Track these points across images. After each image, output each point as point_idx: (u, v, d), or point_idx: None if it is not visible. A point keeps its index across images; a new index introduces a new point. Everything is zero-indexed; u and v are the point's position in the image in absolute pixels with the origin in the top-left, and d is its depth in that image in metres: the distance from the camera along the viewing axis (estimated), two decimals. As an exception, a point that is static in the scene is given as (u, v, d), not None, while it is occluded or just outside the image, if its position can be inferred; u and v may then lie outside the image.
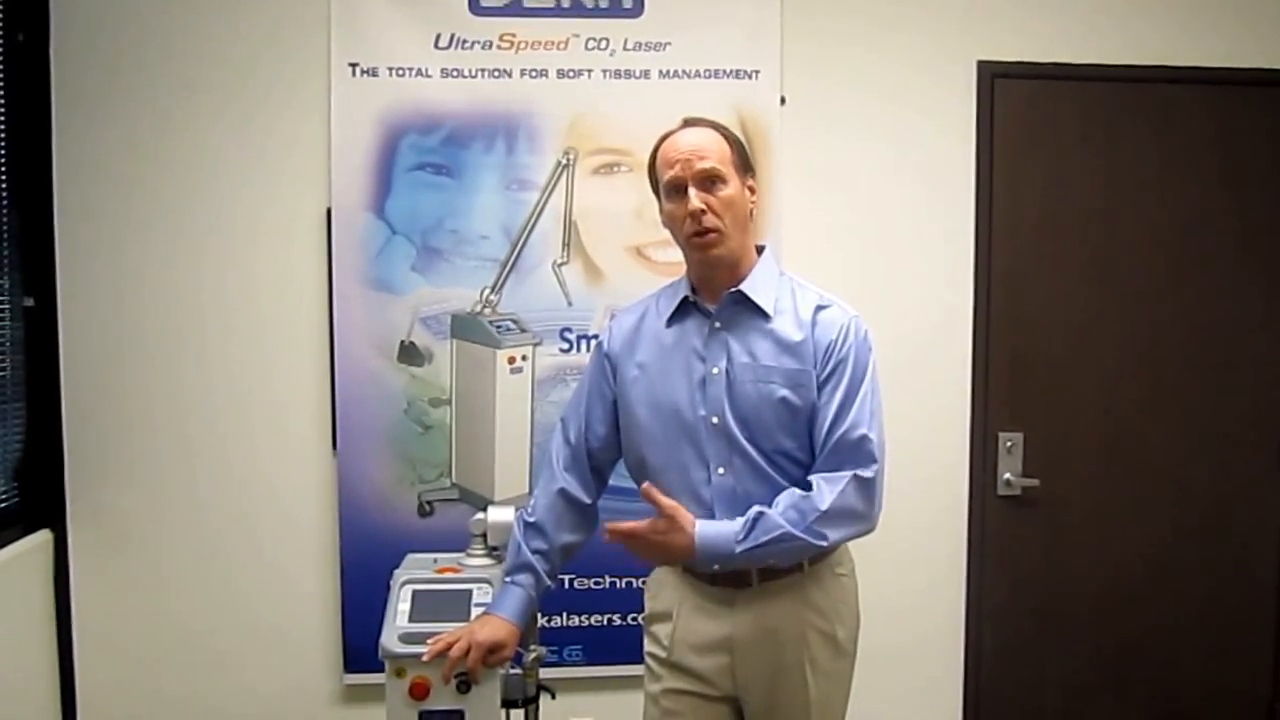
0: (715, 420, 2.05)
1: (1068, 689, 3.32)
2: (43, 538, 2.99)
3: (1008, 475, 3.23)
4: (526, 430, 3.06)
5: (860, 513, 1.99)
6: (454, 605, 2.21)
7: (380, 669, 2.94)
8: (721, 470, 2.05)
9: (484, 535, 2.38)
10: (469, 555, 2.39)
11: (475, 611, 2.20)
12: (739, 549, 1.95)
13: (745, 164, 2.10)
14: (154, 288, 3.02)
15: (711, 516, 2.05)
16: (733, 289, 2.08)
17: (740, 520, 1.97)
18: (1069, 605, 3.30)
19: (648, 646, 2.22)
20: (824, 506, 1.95)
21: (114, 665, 3.08)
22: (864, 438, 1.99)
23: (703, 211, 2.01)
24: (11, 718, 2.82)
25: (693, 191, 2.02)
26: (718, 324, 2.08)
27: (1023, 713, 3.30)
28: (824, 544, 1.97)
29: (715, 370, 2.05)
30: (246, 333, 3.04)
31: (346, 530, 3.04)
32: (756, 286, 2.08)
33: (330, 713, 3.15)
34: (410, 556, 2.43)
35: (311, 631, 3.12)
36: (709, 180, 2.03)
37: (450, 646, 2.07)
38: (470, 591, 2.25)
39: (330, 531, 3.07)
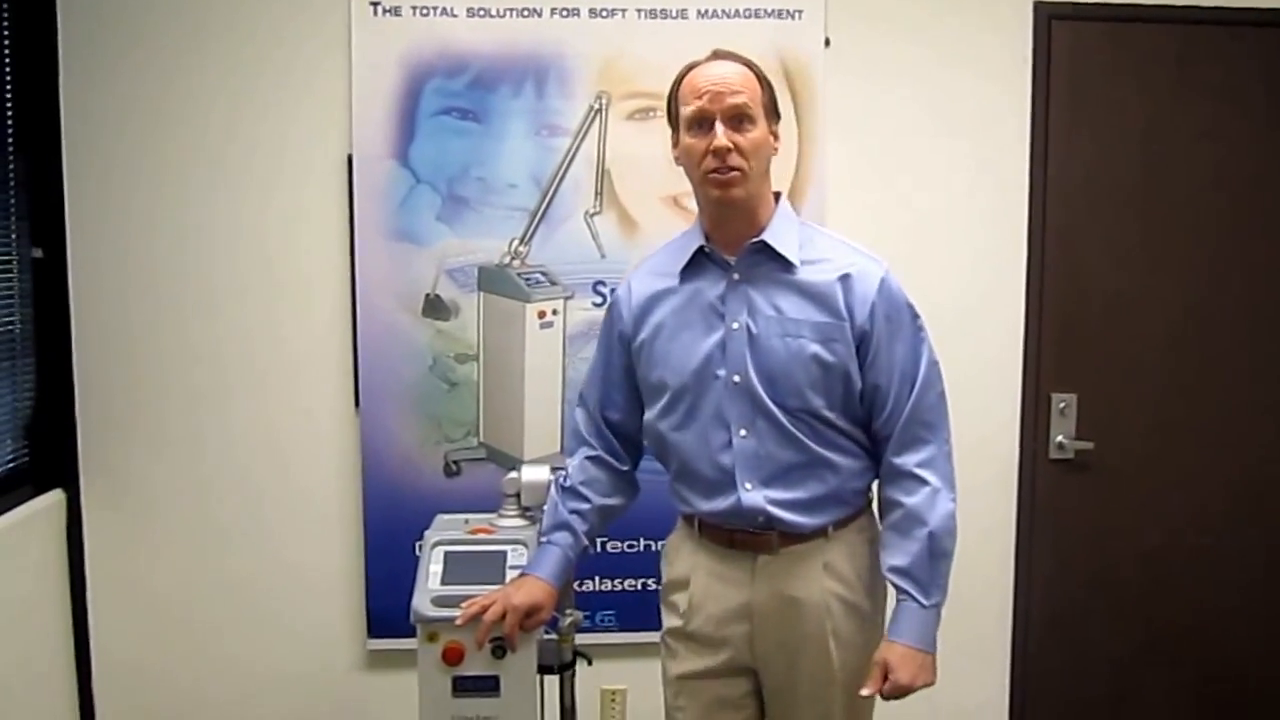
0: (737, 379, 1.99)
1: (1116, 661, 3.29)
2: (55, 498, 2.99)
3: (1060, 438, 3.19)
4: (557, 387, 3.04)
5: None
6: (488, 567, 2.19)
7: (405, 634, 2.95)
8: (744, 432, 2.00)
9: (517, 495, 2.36)
10: (501, 516, 2.37)
11: (510, 574, 2.19)
12: (937, 601, 1.97)
13: (774, 108, 2.02)
14: (167, 238, 2.99)
15: (732, 482, 2.02)
16: (754, 239, 2.00)
17: (909, 589, 1.95)
18: (1120, 574, 3.26)
19: (665, 621, 2.20)
20: (954, 497, 1.99)
21: (129, 628, 3.09)
22: (942, 395, 2.01)
23: (729, 150, 1.93)
24: (26, 680, 2.83)
25: (720, 127, 1.93)
26: (737, 276, 2.01)
27: (1070, 684, 3.28)
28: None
29: (736, 326, 2.00)
30: (264, 286, 3.02)
31: (370, 491, 3.03)
32: (779, 235, 2.00)
33: (353, 679, 3.15)
34: (440, 517, 2.41)
35: (334, 595, 3.12)
36: (738, 118, 1.95)
37: (485, 610, 2.05)
38: (504, 553, 2.23)
39: (353, 492, 3.06)
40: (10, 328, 2.90)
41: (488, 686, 2.12)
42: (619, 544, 3.09)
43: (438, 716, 2.13)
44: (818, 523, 2.01)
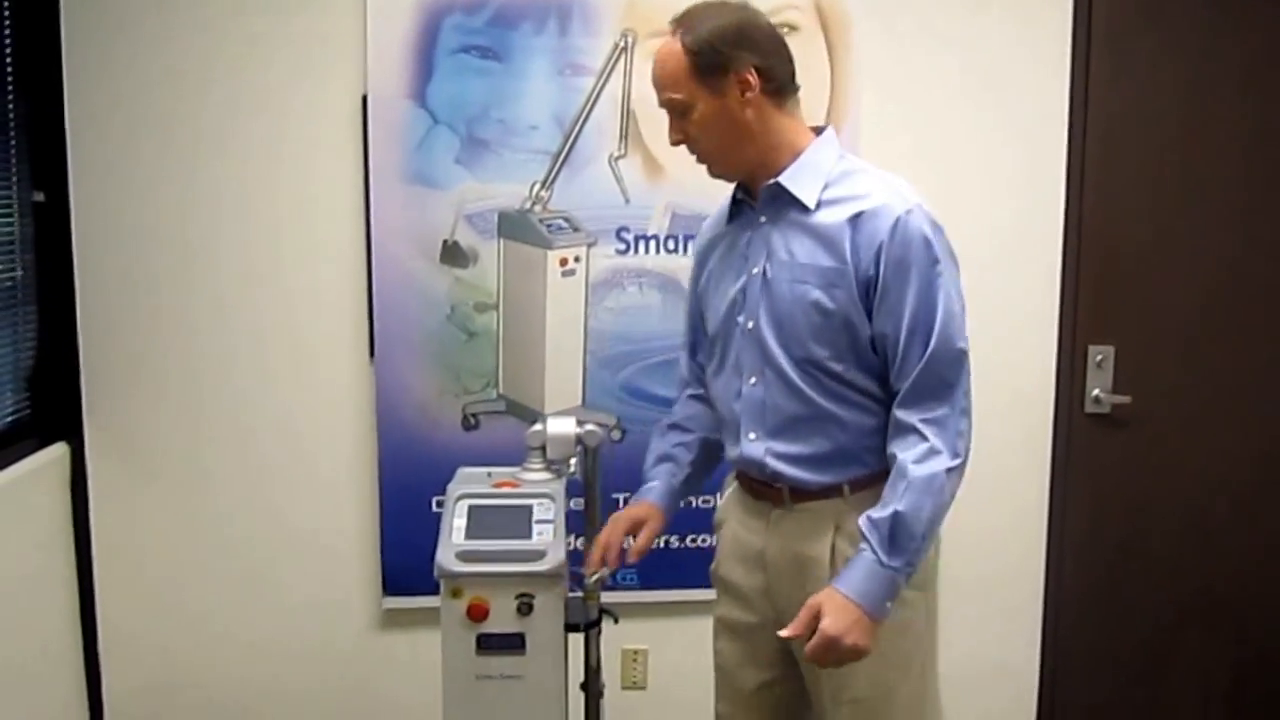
0: (750, 325, 1.96)
1: (1151, 622, 3.25)
2: (59, 451, 2.93)
3: (1097, 391, 3.12)
4: (580, 338, 2.96)
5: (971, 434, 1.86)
6: (514, 522, 2.13)
7: (421, 592, 2.99)
8: (753, 380, 1.97)
9: (542, 448, 2.29)
10: (525, 470, 2.30)
11: (536, 528, 2.12)
12: (899, 565, 1.79)
13: (714, 65, 1.87)
14: (174, 182, 2.91)
15: (737, 432, 2.00)
16: (771, 181, 1.94)
17: (871, 539, 1.79)
18: (1156, 532, 3.21)
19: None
20: (952, 460, 1.81)
21: (136, 586, 3.04)
22: (961, 353, 1.84)
23: (681, 142, 1.96)
24: (29, 638, 2.79)
25: (669, 122, 1.96)
26: (763, 219, 1.97)
27: (1102, 645, 3.24)
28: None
29: (755, 271, 1.96)
30: (275, 232, 2.94)
31: (385, 445, 2.97)
32: (798, 176, 1.92)
33: (367, 638, 3.11)
34: (462, 470, 2.34)
35: (347, 552, 3.06)
36: (675, 111, 1.93)
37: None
38: (530, 507, 2.16)
39: (367, 446, 3.00)
40: (11, 275, 2.83)
41: (513, 644, 2.06)
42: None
43: (461, 675, 2.08)
44: (827, 480, 1.93)
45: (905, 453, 1.80)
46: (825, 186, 1.91)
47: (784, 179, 1.92)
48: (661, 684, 3.18)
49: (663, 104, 1.94)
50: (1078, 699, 3.24)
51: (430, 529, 2.88)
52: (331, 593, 3.08)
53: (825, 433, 1.92)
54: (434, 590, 2.91)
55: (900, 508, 1.77)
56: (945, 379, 1.82)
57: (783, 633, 1.83)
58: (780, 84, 1.92)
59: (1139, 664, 3.26)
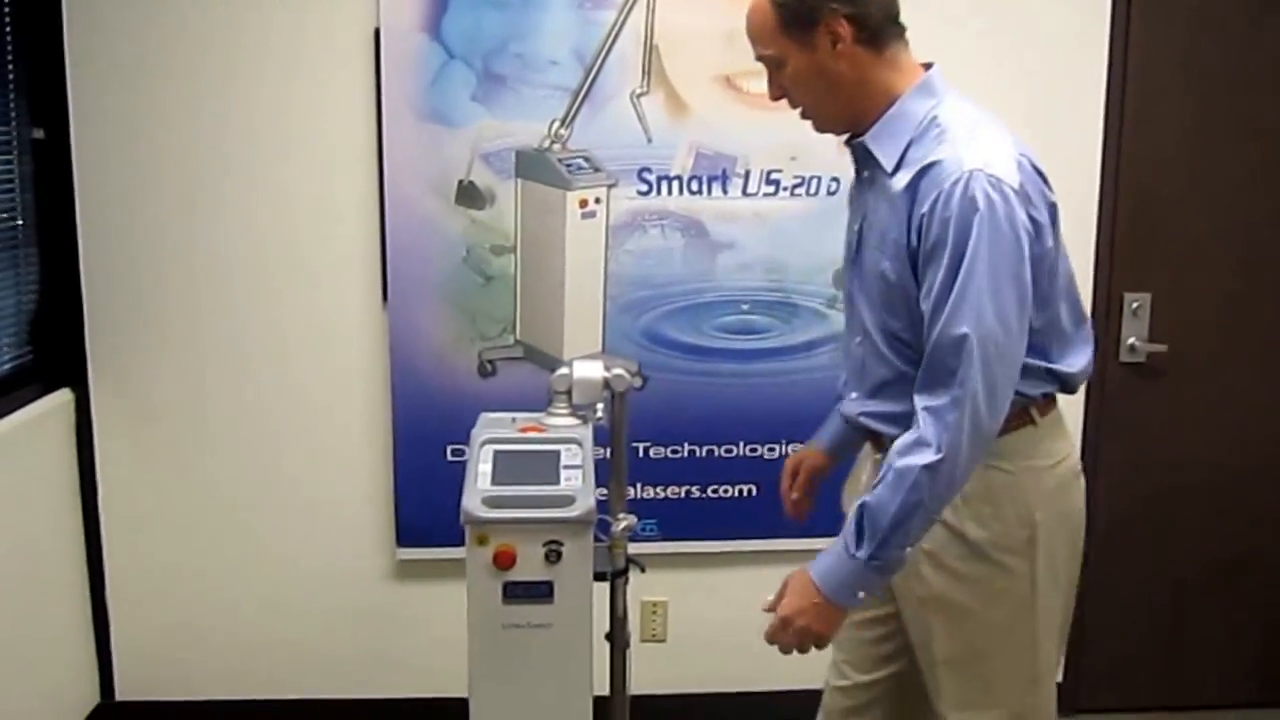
0: (852, 286, 1.93)
1: (1180, 577, 3.22)
2: (63, 398, 2.89)
3: (1132, 340, 3.07)
4: (599, 282, 2.90)
5: (983, 431, 1.67)
6: (541, 467, 2.07)
7: (436, 543, 2.97)
8: (858, 339, 1.92)
9: (568, 393, 2.22)
10: (550, 415, 2.23)
11: (564, 474, 2.06)
12: (864, 556, 1.70)
13: (801, 18, 1.76)
14: (179, 118, 2.83)
15: (845, 386, 1.99)
16: (858, 140, 1.84)
17: (847, 525, 1.73)
18: (1188, 483, 3.17)
19: None
20: (935, 455, 1.64)
21: (144, 535, 3.00)
22: (961, 339, 1.63)
23: (780, 98, 1.86)
24: (37, 588, 2.76)
25: (767, 79, 1.86)
26: (865, 173, 1.88)
27: (1132, 599, 3.20)
28: (963, 481, 1.69)
29: (855, 229, 1.90)
30: (284, 171, 2.86)
31: (399, 392, 2.91)
32: (882, 134, 1.80)
33: (381, 590, 3.07)
34: (485, 415, 2.28)
35: (360, 503, 3.01)
36: (769, 66, 1.84)
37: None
38: (558, 453, 2.10)
39: (381, 394, 2.94)
40: (11, 216, 2.76)
41: (540, 593, 2.00)
42: (661, 449, 2.98)
43: (487, 623, 2.02)
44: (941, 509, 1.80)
45: (901, 438, 1.70)
46: (909, 144, 1.76)
47: (869, 138, 1.81)
48: (681, 636, 3.14)
49: (757, 59, 1.85)
50: (1104, 654, 3.21)
51: (446, 479, 2.88)
52: (344, 543, 3.03)
53: (908, 391, 1.78)
54: (449, 541, 2.88)
55: (869, 499, 1.69)
56: (946, 365, 1.66)
57: (763, 606, 1.82)
58: (875, 29, 1.77)
59: (1166, 619, 3.23)
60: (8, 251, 2.76)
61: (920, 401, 1.68)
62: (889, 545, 1.68)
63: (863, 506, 1.69)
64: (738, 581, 3.11)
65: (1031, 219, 1.68)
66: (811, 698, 3.14)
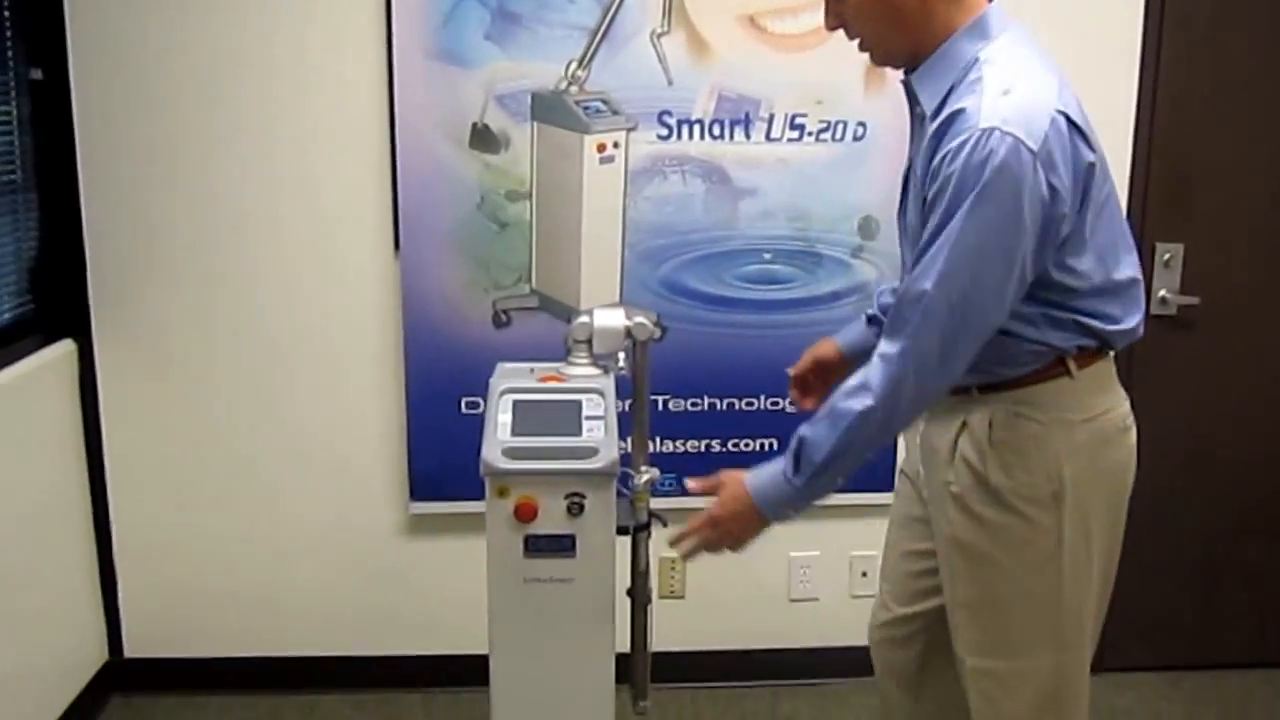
0: (899, 229, 1.88)
1: (1212, 530, 3.16)
2: (65, 348, 2.84)
3: (1164, 292, 3.00)
4: (618, 230, 2.82)
5: (927, 388, 1.68)
6: (563, 417, 2.02)
7: (450, 497, 2.92)
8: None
9: (588, 341, 2.16)
10: (570, 364, 2.18)
11: (587, 425, 2.01)
12: (798, 484, 1.75)
13: None
14: (183, 59, 2.75)
15: None
16: (905, 78, 1.78)
17: (789, 451, 1.77)
18: (1221, 437, 3.11)
19: None
20: (872, 401, 1.66)
21: (151, 488, 2.95)
22: (921, 294, 1.61)
23: (835, 27, 1.79)
24: (42, 541, 2.72)
25: (824, 8, 1.79)
26: (917, 110, 1.78)
27: (1164, 552, 3.15)
28: (901, 429, 1.77)
29: (904, 172, 1.84)
30: (291, 114, 2.78)
31: (411, 343, 2.85)
32: (927, 75, 1.73)
33: (393, 545, 3.02)
34: (503, 365, 2.23)
35: (371, 455, 2.96)
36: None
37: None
38: (579, 403, 2.05)
39: (392, 344, 2.88)
40: (9, 160, 2.69)
41: (563, 546, 1.98)
42: (680, 402, 2.92)
43: (507, 578, 1.99)
44: (959, 383, 1.78)
45: (851, 378, 1.71)
46: (951, 88, 1.68)
47: (915, 77, 1.75)
48: (699, 593, 3.10)
49: None
50: (1134, 612, 3.14)
51: (459, 431, 2.86)
52: (356, 497, 2.99)
53: None
54: (464, 495, 2.87)
55: (806, 433, 1.73)
56: (904, 315, 1.65)
57: (690, 485, 1.90)
58: None
59: (1198, 572, 3.19)
60: (6, 197, 2.69)
61: (879, 345, 1.69)
62: (820, 478, 1.74)
63: (800, 440, 1.74)
64: (769, 537, 3.04)
65: (1050, 184, 1.59)
66: (830, 655, 3.13)
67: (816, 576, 3.13)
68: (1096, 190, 1.67)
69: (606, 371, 2.16)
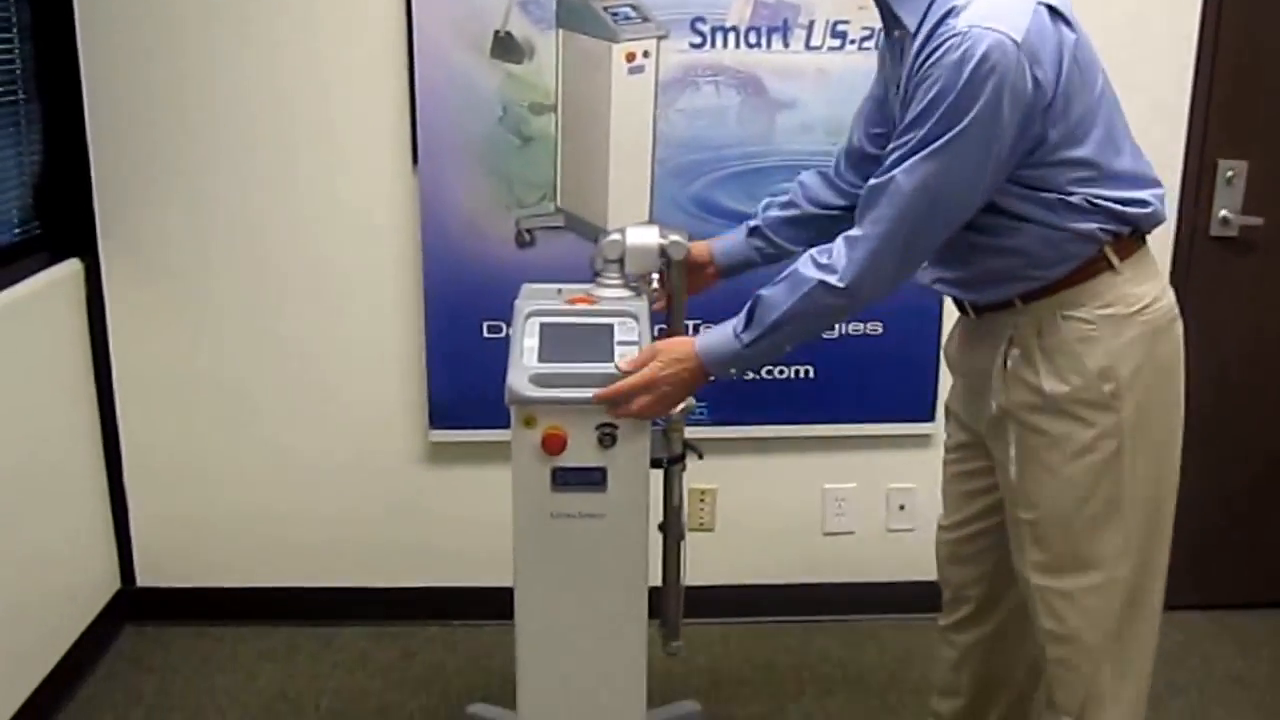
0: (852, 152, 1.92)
1: (1262, 461, 3.06)
2: (71, 268, 2.74)
3: (1224, 212, 2.86)
4: (647, 144, 2.69)
5: (885, 277, 1.70)
6: (593, 342, 1.90)
7: (470, 425, 2.83)
8: None
9: (620, 261, 2.03)
10: (599, 285, 2.06)
11: (619, 350, 1.89)
12: (746, 340, 1.79)
13: None
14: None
15: None
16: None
17: (743, 311, 1.80)
18: (1275, 367, 2.99)
19: None
20: (834, 277, 1.68)
21: (162, 413, 2.87)
22: (892, 182, 1.62)
23: None
24: (52, 465, 2.65)
25: None
26: (895, 33, 1.76)
27: (1212, 482, 3.01)
28: (856, 310, 1.77)
29: (894, 95, 1.77)
30: (302, 18, 2.65)
31: (430, 264, 2.74)
32: None
33: (412, 474, 2.94)
34: (528, 286, 2.10)
35: (389, 381, 2.87)
36: None
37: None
38: (611, 326, 1.93)
39: (411, 264, 2.77)
40: (10, 71, 2.56)
41: (593, 480, 1.86)
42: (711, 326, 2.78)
43: (534, 513, 1.88)
44: (997, 298, 1.79)
45: (817, 249, 1.74)
46: (930, 4, 1.64)
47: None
48: (730, 525, 3.01)
49: None
50: (1179, 548, 3.01)
51: (480, 355, 2.76)
52: (373, 423, 2.90)
53: (976, 258, 1.77)
54: (485, 423, 2.78)
55: (764, 292, 1.76)
56: (873, 202, 1.67)
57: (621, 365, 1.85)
58: None
59: (1250, 506, 3.08)
60: (7, 110, 2.57)
61: (847, 231, 1.71)
62: (767, 339, 1.77)
63: (758, 298, 1.76)
64: (790, 468, 2.98)
65: (1033, 76, 1.57)
66: (865, 591, 3.05)
67: (852, 510, 3.03)
68: (1085, 75, 1.65)
69: (638, 294, 2.04)
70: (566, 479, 1.85)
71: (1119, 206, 1.68)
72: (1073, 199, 1.66)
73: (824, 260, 1.69)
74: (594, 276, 2.08)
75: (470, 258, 2.73)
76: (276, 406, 2.88)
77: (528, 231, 2.73)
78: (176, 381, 2.84)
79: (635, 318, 1.94)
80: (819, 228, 2.01)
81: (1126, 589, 1.78)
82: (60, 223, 2.73)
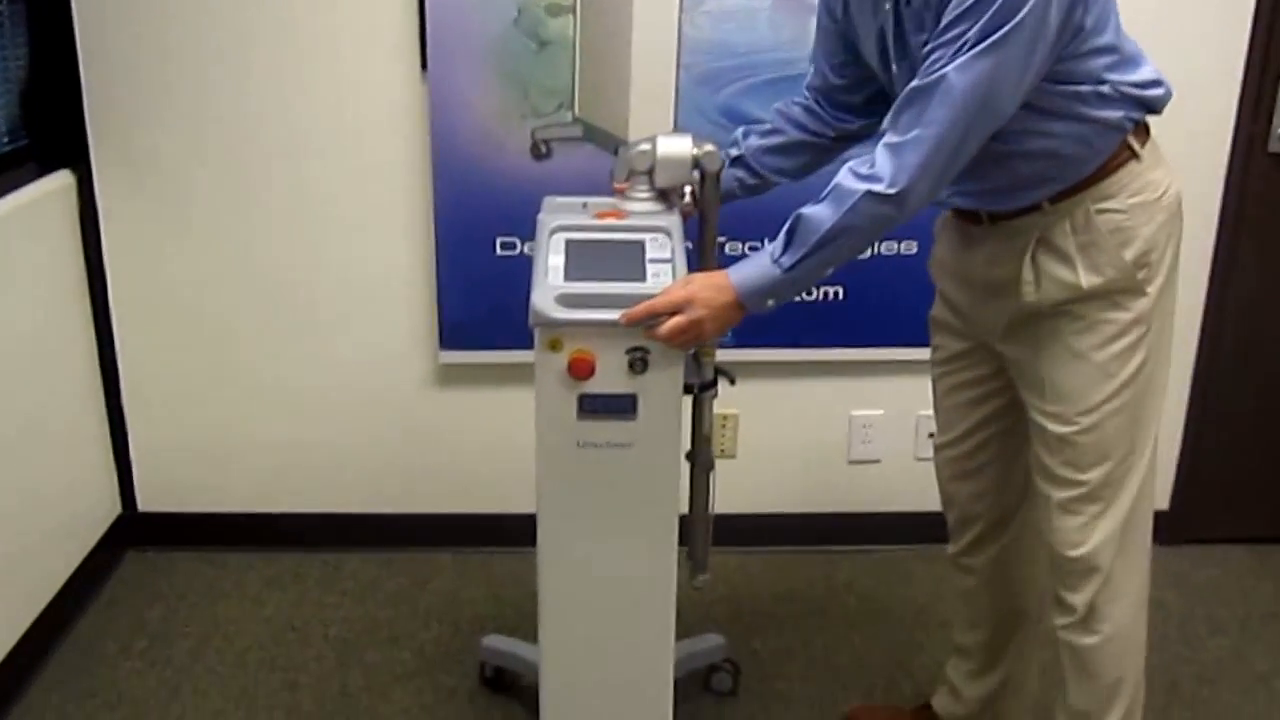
0: (896, 71, 1.74)
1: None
2: (63, 180, 2.61)
3: (1282, 129, 2.73)
4: (672, 49, 2.49)
5: (936, 179, 1.62)
6: (624, 260, 1.77)
7: (481, 346, 2.70)
8: None
9: (649, 173, 1.89)
10: (627, 199, 1.92)
11: (651, 269, 1.76)
12: (786, 264, 1.68)
13: None
14: None
15: None
16: None
17: (780, 235, 1.70)
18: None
19: None
20: (882, 185, 1.60)
21: (159, 333, 2.76)
22: (941, 80, 1.55)
23: None
24: (48, 390, 2.55)
25: None
26: None
27: (1252, 418, 2.93)
28: (905, 219, 1.65)
29: (888, 11, 1.69)
30: (304, -90, 2.49)
31: (440, 175, 2.60)
32: None
33: (421, 396, 2.83)
34: (550, 199, 1.97)
35: (398, 301, 2.75)
36: None
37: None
38: (642, 243, 1.80)
39: (420, 176, 2.63)
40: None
41: (622, 407, 1.75)
42: (737, 245, 2.66)
43: (559, 442, 1.77)
44: (1020, 205, 1.75)
45: (854, 163, 1.67)
46: None
47: None
48: (753, 453, 2.90)
49: None
50: (1217, 480, 2.97)
51: (493, 274, 2.63)
52: (380, 345, 2.78)
53: (1002, 167, 1.71)
54: (497, 343, 2.65)
55: (805, 211, 1.67)
56: (917, 103, 1.60)
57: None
58: None
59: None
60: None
61: (884, 140, 1.63)
62: (811, 259, 1.67)
63: (798, 217, 1.67)
64: (816, 394, 2.87)
65: None
66: (891, 521, 2.95)
67: (878, 437, 2.93)
68: None
69: (670, 208, 1.90)
70: (594, 406, 1.73)
71: (1139, 91, 1.67)
72: (1104, 88, 1.64)
73: (866, 170, 1.62)
74: (614, 190, 1.96)
75: (483, 170, 2.58)
76: (278, 327, 2.76)
77: (544, 143, 2.55)
78: (176, 301, 2.72)
79: (668, 233, 1.80)
80: (806, 156, 2.00)
81: (1140, 479, 1.77)
82: (50, 133, 2.58)
